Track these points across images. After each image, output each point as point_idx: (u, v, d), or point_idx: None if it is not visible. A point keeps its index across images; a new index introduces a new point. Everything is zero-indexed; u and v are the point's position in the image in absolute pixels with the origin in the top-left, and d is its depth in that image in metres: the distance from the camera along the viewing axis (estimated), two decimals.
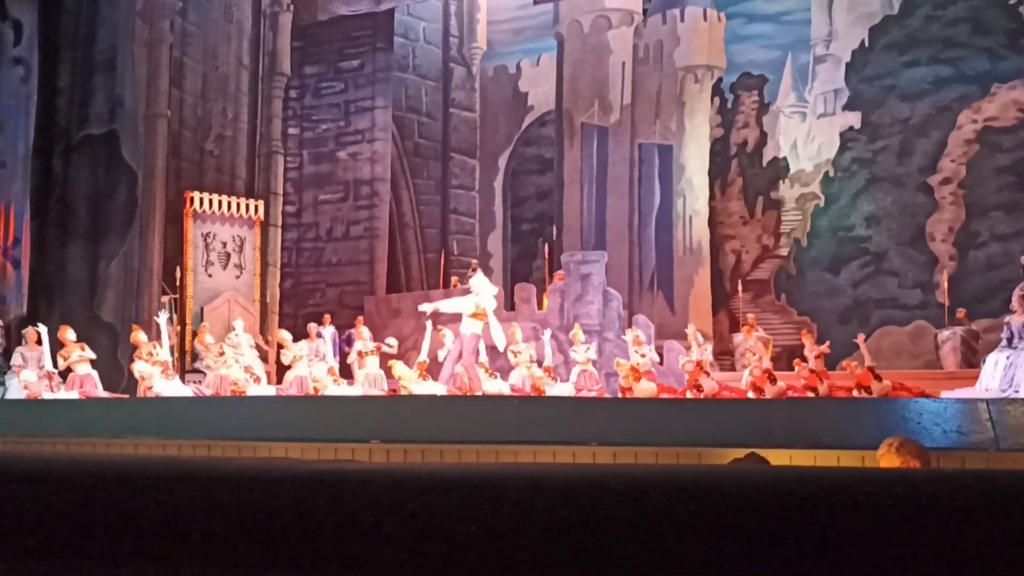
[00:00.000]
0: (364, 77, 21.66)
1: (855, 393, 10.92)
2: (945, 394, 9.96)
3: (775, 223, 20.95)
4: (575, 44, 21.76)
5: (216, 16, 19.38)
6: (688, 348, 12.99)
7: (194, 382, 13.38)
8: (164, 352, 12.10)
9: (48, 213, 17.46)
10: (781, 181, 20.97)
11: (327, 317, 16.82)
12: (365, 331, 14.45)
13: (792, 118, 21.12)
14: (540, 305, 17.05)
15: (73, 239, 17.24)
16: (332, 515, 1.32)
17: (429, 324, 12.31)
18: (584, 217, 21.48)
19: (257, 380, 12.57)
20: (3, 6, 17.71)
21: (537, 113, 23.63)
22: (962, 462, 6.73)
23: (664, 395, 11.53)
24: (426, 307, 11.89)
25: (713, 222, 21.05)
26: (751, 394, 11.25)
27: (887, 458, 4.03)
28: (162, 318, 12.70)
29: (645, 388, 11.55)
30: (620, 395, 11.93)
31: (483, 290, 11.67)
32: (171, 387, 11.57)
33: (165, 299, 17.31)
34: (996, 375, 10.61)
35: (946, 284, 17.31)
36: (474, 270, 13.91)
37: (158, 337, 12.52)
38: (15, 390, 12.69)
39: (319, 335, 15.31)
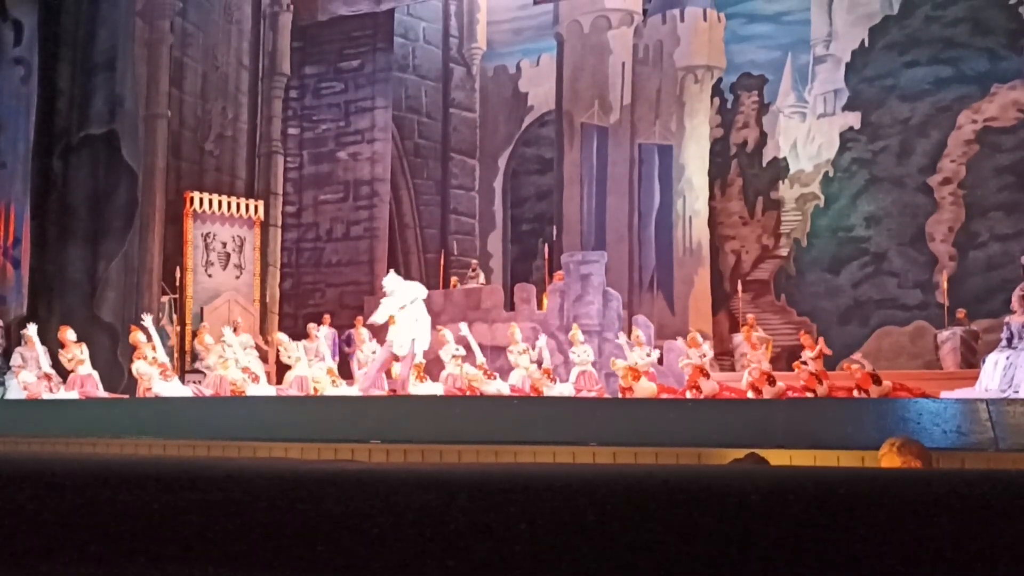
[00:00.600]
0: (364, 77, 21.67)
1: (855, 394, 10.91)
2: (945, 394, 9.94)
3: (775, 223, 20.94)
4: (575, 44, 21.76)
5: (216, 16, 19.39)
6: (688, 354, 12.93)
7: (194, 382, 13.37)
8: (160, 353, 12.07)
9: (48, 213, 17.45)
10: (781, 181, 20.96)
11: (327, 317, 16.80)
12: (364, 332, 14.41)
13: (792, 118, 21.11)
14: (540, 305, 17.06)
15: (73, 239, 17.23)
16: (332, 515, 1.32)
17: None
18: (584, 217, 21.47)
19: (256, 380, 12.55)
20: (3, 6, 17.71)
21: (537, 113, 23.62)
22: (962, 462, 6.74)
23: (664, 395, 11.52)
24: (375, 319, 11.75)
25: (713, 222, 21.04)
26: (751, 394, 11.24)
27: (888, 458, 4.03)
28: (147, 320, 12.37)
29: (645, 388, 11.55)
30: (620, 395, 11.93)
31: (398, 290, 11.55)
32: (170, 388, 11.56)
33: (165, 299, 17.32)
34: (996, 375, 10.60)
35: (946, 284, 17.29)
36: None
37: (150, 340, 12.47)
38: (15, 390, 12.69)
39: (318, 336, 15.29)
